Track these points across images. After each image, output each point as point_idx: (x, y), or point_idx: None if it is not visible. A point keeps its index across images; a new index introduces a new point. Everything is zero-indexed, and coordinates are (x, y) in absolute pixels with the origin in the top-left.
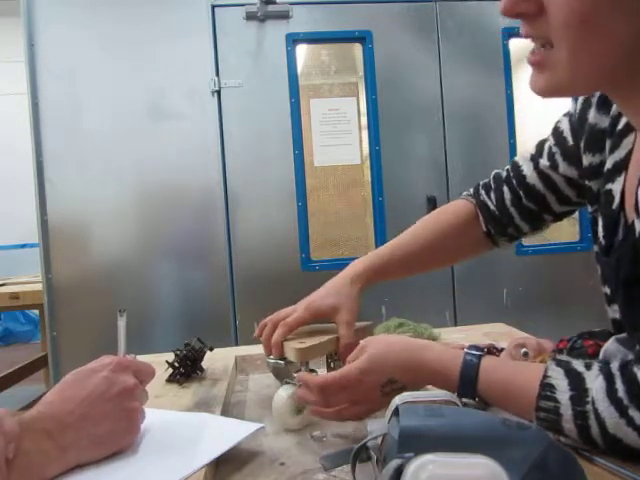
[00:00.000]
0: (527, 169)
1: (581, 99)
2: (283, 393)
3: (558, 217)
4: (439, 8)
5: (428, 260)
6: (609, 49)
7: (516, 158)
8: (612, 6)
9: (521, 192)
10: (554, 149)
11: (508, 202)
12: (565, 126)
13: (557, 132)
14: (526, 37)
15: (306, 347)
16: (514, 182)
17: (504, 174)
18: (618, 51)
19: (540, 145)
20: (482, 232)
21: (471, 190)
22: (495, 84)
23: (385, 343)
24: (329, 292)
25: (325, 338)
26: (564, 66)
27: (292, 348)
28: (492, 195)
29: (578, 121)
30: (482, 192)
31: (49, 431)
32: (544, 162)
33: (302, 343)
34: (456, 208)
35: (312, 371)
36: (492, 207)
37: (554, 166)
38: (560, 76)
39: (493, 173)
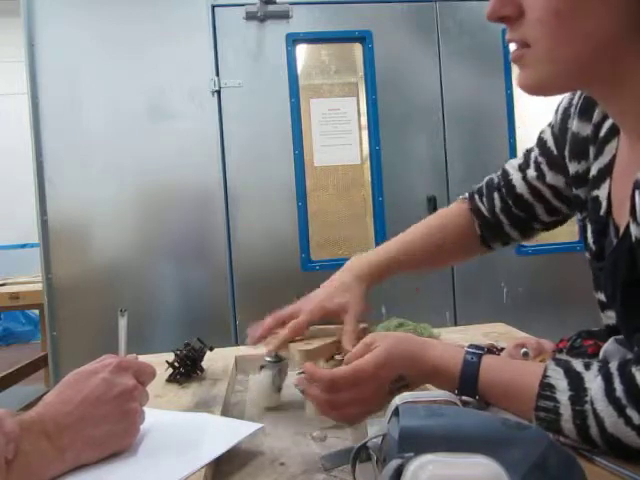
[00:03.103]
0: (516, 178)
1: (561, 110)
2: (261, 375)
3: (547, 227)
4: (439, 8)
5: (427, 262)
6: (585, 44)
7: (506, 165)
8: (586, 2)
9: (510, 201)
10: (540, 159)
11: (498, 209)
12: (548, 136)
13: (541, 142)
14: (509, 42)
15: (312, 349)
16: (504, 190)
17: (495, 180)
18: (594, 46)
19: (527, 154)
20: (478, 236)
21: (467, 194)
22: (495, 84)
23: (394, 337)
24: (336, 291)
25: (329, 340)
26: (543, 63)
27: (298, 350)
28: (484, 201)
29: (559, 132)
30: (476, 197)
31: (47, 432)
32: (531, 173)
33: (308, 345)
34: (454, 212)
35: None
36: (485, 213)
37: (541, 176)
38: (541, 73)
39: (486, 179)
